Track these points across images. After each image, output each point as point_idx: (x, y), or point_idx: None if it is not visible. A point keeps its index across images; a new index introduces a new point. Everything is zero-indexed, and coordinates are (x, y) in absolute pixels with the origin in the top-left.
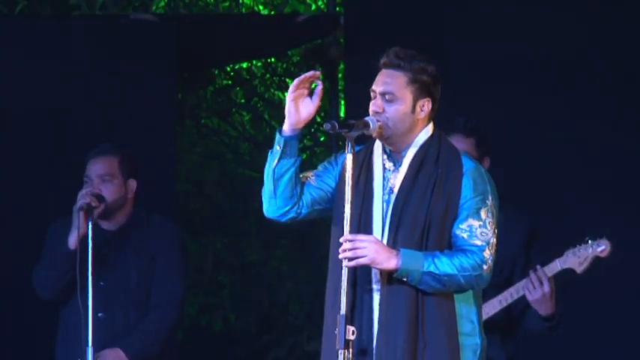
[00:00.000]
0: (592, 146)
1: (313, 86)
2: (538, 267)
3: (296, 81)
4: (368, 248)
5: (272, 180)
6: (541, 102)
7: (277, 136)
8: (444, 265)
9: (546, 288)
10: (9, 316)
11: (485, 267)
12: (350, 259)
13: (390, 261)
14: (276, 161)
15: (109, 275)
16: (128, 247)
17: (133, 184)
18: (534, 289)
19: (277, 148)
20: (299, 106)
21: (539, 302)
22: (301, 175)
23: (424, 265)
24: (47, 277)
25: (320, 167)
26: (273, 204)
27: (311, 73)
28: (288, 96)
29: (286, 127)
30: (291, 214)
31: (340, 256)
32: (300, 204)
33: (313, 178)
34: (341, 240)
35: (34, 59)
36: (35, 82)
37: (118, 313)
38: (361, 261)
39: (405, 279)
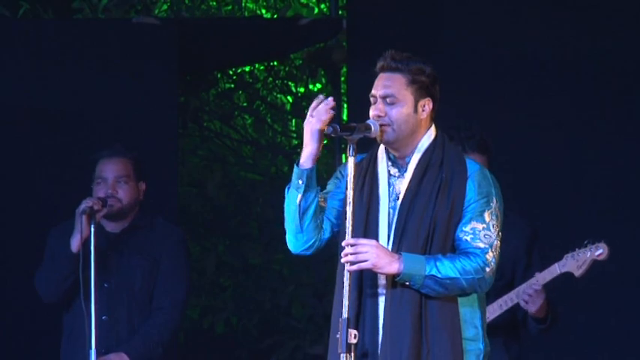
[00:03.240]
0: (591, 149)
1: None
2: (535, 278)
3: (313, 111)
4: (369, 252)
5: (298, 216)
6: (541, 103)
7: (297, 170)
8: (446, 268)
9: (540, 300)
10: (12, 320)
11: (487, 269)
12: (352, 263)
13: (391, 265)
14: (300, 196)
15: (112, 277)
16: (132, 249)
17: (142, 186)
18: (530, 304)
19: (299, 182)
20: (320, 137)
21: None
22: None
23: (426, 269)
24: (50, 280)
25: (328, 186)
26: (300, 239)
27: (331, 101)
28: (312, 126)
29: (307, 160)
30: (317, 244)
31: (342, 260)
32: (322, 232)
33: (323, 199)
34: (343, 244)
35: (37, 62)
36: (37, 84)
37: (121, 315)
38: (363, 265)
39: (407, 283)
